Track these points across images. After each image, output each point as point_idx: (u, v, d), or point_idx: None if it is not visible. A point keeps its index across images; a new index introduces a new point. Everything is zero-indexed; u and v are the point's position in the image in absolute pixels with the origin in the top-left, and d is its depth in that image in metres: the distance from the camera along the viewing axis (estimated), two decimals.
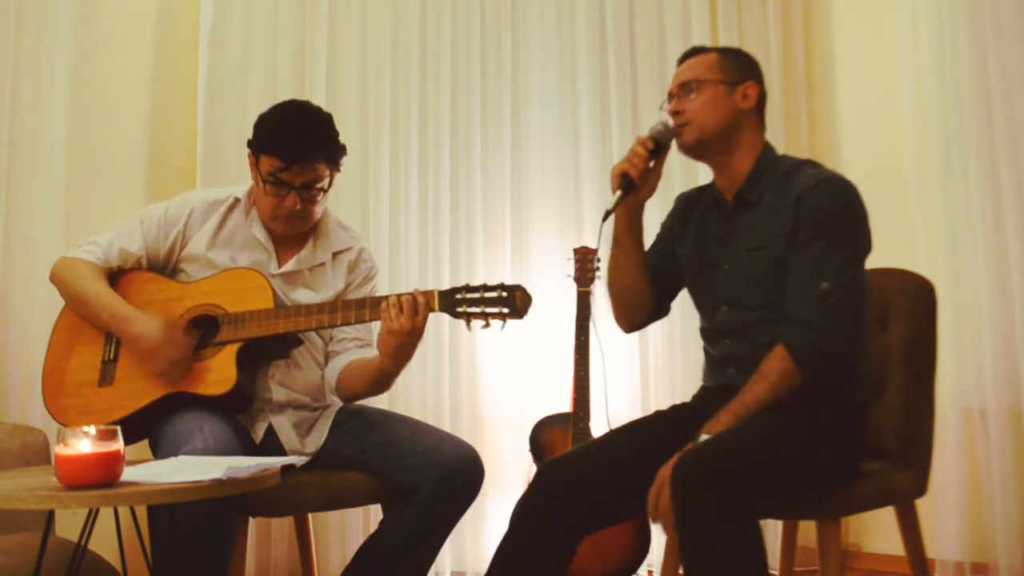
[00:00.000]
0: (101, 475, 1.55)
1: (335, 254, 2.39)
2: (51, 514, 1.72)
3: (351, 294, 2.38)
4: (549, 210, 3.51)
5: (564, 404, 3.17)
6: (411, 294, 2.08)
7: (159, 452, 2.07)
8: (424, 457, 2.18)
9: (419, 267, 3.38)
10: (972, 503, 2.90)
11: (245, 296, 2.20)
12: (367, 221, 3.34)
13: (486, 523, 3.29)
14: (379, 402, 2.61)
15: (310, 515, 2.56)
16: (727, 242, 2.06)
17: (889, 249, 2.17)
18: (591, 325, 3.07)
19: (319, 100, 3.17)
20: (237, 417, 2.22)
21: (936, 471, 2.23)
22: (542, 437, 3.10)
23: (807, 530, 2.46)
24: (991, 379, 2.87)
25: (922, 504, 2.19)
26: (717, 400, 1.94)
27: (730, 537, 1.68)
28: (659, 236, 2.25)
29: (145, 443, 2.20)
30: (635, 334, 2.67)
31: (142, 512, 1.94)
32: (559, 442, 3.06)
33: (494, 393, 3.41)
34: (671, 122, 2.04)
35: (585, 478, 1.94)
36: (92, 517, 1.76)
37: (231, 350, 2.15)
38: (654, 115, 3.04)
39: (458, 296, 2.06)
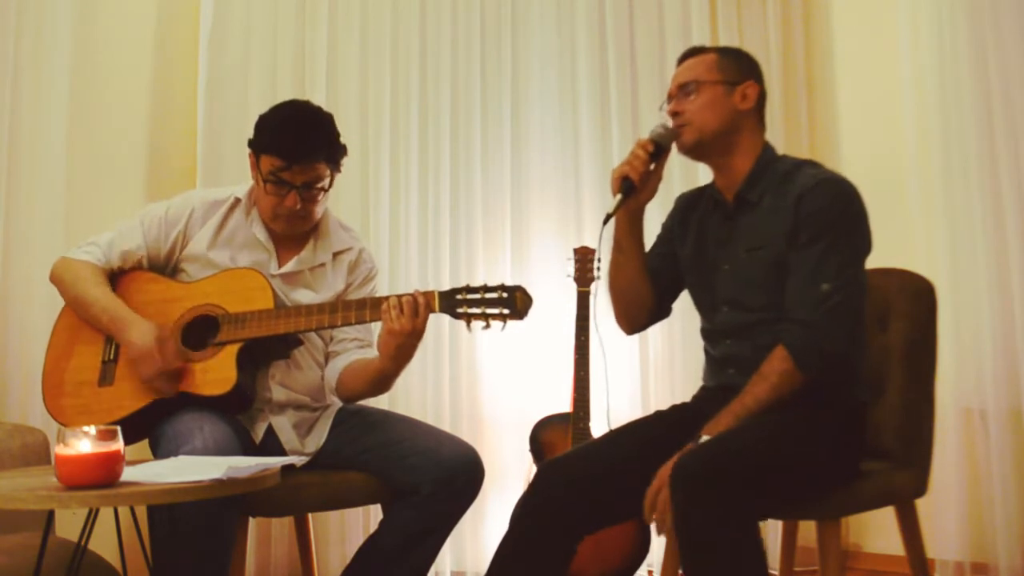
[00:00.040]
0: (101, 475, 1.55)
1: (335, 254, 2.39)
2: (51, 514, 1.72)
3: (351, 294, 2.38)
4: (549, 210, 3.51)
5: (564, 404, 3.17)
6: (411, 295, 2.08)
7: (159, 452, 2.07)
8: (424, 457, 2.18)
9: (419, 267, 3.38)
10: (972, 503, 2.90)
11: (245, 296, 2.20)
12: (367, 221, 3.34)
13: (486, 523, 3.29)
14: (379, 402, 2.61)
15: (310, 515, 2.56)
16: (727, 242, 2.06)
17: (889, 249, 2.17)
18: (591, 325, 3.07)
19: (319, 100, 3.17)
20: (237, 417, 2.22)
21: (936, 471, 2.23)
22: (542, 437, 3.11)
23: (807, 530, 2.46)
24: (991, 379, 2.87)
25: (922, 504, 2.19)
26: (717, 400, 1.94)
27: (730, 537, 1.68)
28: (659, 237, 2.25)
29: (145, 443, 2.20)
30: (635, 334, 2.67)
31: (142, 512, 1.94)
32: (559, 442, 3.06)
33: (494, 393, 3.41)
34: (671, 123, 2.04)
35: (585, 478, 1.94)
36: (92, 517, 1.76)
37: (231, 350, 2.15)
38: (654, 115, 3.05)
39: (458, 297, 2.06)
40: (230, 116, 3.28)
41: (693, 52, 2.12)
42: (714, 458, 1.75)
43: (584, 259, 3.14)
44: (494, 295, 2.04)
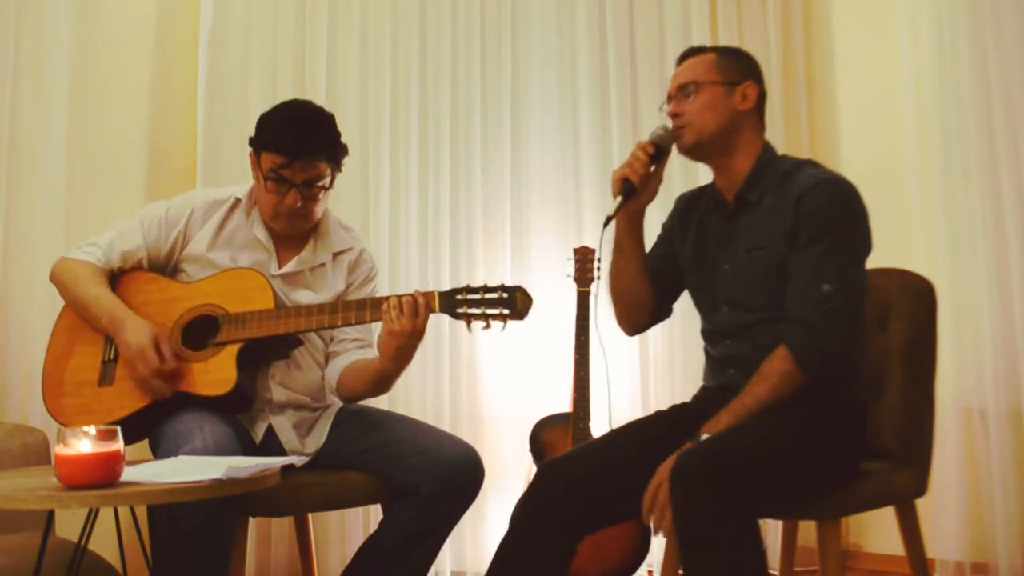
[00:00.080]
0: (101, 475, 1.55)
1: (336, 255, 2.39)
2: (51, 514, 1.72)
3: (351, 295, 2.38)
4: (549, 210, 3.51)
5: (564, 404, 3.17)
6: (411, 295, 2.08)
7: (159, 452, 2.07)
8: (424, 457, 2.18)
9: (419, 267, 3.38)
10: (972, 503, 2.90)
11: (246, 296, 2.20)
12: (367, 221, 3.34)
13: (486, 523, 3.29)
14: (379, 402, 2.61)
15: (310, 515, 2.56)
16: (727, 242, 2.06)
17: (889, 249, 2.17)
18: (591, 325, 3.07)
19: (319, 100, 3.15)
20: (237, 417, 2.22)
21: (936, 471, 2.23)
22: (542, 437, 3.11)
23: (807, 530, 2.46)
24: (991, 379, 2.87)
25: (922, 504, 2.19)
26: (717, 400, 1.94)
27: (730, 537, 1.68)
28: (659, 238, 2.25)
29: (145, 443, 2.20)
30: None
31: (142, 512, 1.94)
32: (559, 442, 3.06)
33: (494, 393, 3.41)
34: (671, 125, 2.04)
35: (585, 478, 1.94)
36: (92, 517, 1.76)
37: (231, 350, 2.15)
38: (654, 115, 3.05)
39: (459, 297, 2.06)
40: (230, 116, 3.28)
41: (692, 52, 2.11)
42: (714, 455, 1.75)
43: (584, 259, 3.14)
44: (494, 295, 2.05)
